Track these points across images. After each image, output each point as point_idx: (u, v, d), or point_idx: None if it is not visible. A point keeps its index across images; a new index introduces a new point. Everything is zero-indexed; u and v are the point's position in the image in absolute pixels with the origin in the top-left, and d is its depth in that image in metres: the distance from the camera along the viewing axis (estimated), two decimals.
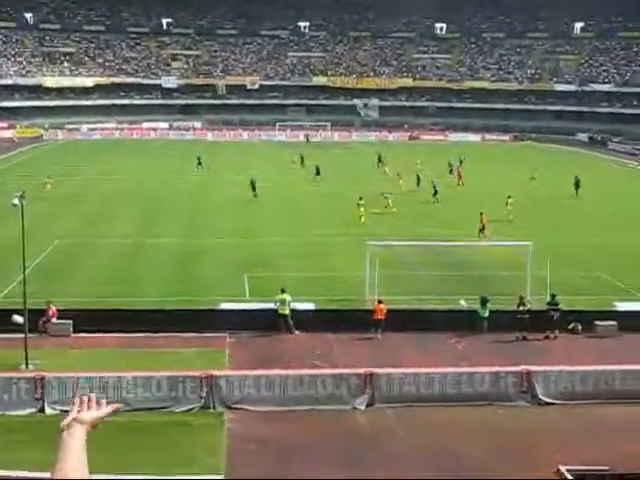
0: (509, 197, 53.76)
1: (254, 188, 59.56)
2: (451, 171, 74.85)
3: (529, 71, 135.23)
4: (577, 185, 65.02)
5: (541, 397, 25.34)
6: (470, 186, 67.49)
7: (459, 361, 27.53)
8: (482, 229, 46.96)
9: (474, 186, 67.46)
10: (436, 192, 60.15)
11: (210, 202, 58.83)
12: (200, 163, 74.73)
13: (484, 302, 31.44)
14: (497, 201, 55.58)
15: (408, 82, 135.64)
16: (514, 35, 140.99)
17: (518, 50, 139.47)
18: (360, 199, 52.00)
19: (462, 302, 33.44)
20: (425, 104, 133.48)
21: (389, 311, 31.27)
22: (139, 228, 49.30)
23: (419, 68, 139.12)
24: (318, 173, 69.72)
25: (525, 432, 23.29)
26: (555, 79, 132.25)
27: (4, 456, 19.57)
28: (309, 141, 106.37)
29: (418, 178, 66.32)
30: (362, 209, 51.37)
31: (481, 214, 47.63)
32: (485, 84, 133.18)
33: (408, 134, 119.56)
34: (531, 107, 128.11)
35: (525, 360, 27.04)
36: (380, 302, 31.08)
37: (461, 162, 76.91)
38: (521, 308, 31.39)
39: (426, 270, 39.55)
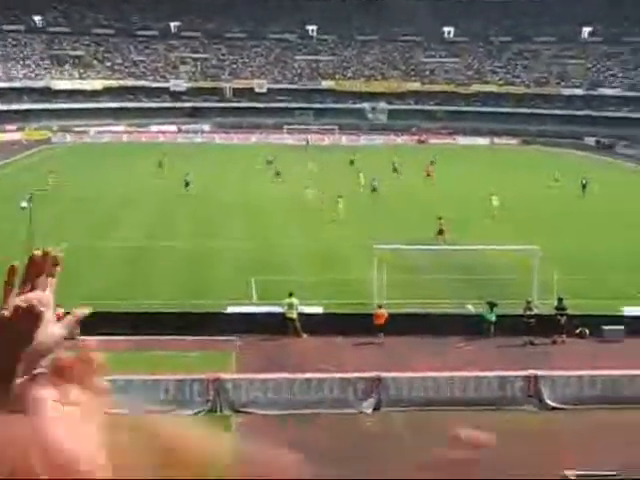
0: (491, 195, 56.70)
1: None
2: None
3: (536, 75, 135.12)
4: (584, 187, 66.74)
5: (548, 402, 25.32)
6: (478, 189, 67.45)
7: (466, 365, 27.50)
8: (440, 232, 46.58)
9: (482, 189, 67.42)
10: (374, 189, 63.58)
11: (218, 205, 58.84)
12: (187, 184, 66.05)
13: (491, 306, 31.41)
14: (511, 204, 55.71)
15: (416, 86, 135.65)
16: (522, 39, 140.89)
17: (526, 54, 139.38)
18: (339, 196, 54.73)
19: (469, 306, 33.43)
20: (433, 108, 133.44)
21: (396, 315, 31.29)
22: (147, 231, 49.36)
23: (427, 72, 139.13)
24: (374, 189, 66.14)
25: (532, 437, 23.24)
26: (562, 83, 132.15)
27: None
28: (308, 144, 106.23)
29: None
30: (340, 206, 53.88)
31: (439, 219, 47.45)
32: (493, 88, 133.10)
33: (416, 138, 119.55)
34: (538, 111, 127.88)
35: (532, 364, 27.03)
36: (380, 307, 31.12)
37: (432, 162, 79.01)
38: (528, 312, 31.35)
39: (433, 274, 39.55)
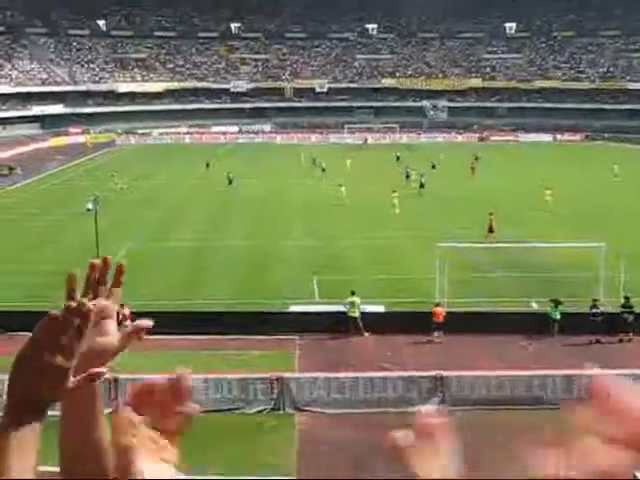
0: (547, 189, 57.40)
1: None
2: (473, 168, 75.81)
3: (601, 70, 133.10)
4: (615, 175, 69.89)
5: None
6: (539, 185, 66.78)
7: (530, 364, 27.22)
8: (490, 230, 46.49)
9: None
10: (422, 185, 64.17)
11: (278, 205, 59.09)
12: (231, 181, 68.16)
13: (556, 304, 31.03)
14: (574, 200, 55.04)
15: (477, 83, 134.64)
16: (585, 33, 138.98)
17: (590, 48, 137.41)
18: (394, 191, 56.66)
19: (533, 304, 33.05)
20: (495, 105, 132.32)
21: (458, 313, 31.13)
22: (209, 231, 49.79)
23: (488, 68, 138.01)
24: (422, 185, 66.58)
25: None
26: (628, 77, 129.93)
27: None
28: (366, 144, 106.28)
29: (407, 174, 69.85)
30: (396, 200, 55.75)
31: (490, 214, 47.30)
32: (556, 83, 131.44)
33: (477, 135, 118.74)
34: (604, 106, 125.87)
35: (599, 363, 26.62)
36: (438, 305, 31.02)
37: (476, 158, 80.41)
38: (594, 311, 30.92)
39: (496, 272, 39.24)
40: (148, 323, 1.75)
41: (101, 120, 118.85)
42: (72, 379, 1.60)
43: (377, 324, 31.07)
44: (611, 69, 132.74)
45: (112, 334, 1.75)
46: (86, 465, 1.73)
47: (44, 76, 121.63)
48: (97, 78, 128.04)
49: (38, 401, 1.62)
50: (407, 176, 69.92)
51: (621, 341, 30.69)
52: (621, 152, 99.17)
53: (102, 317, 1.75)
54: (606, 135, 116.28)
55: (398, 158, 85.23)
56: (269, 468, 20.44)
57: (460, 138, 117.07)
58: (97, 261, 1.76)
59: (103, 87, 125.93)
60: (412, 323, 30.95)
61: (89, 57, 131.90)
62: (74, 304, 1.60)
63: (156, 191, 66.30)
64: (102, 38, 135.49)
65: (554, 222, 51.34)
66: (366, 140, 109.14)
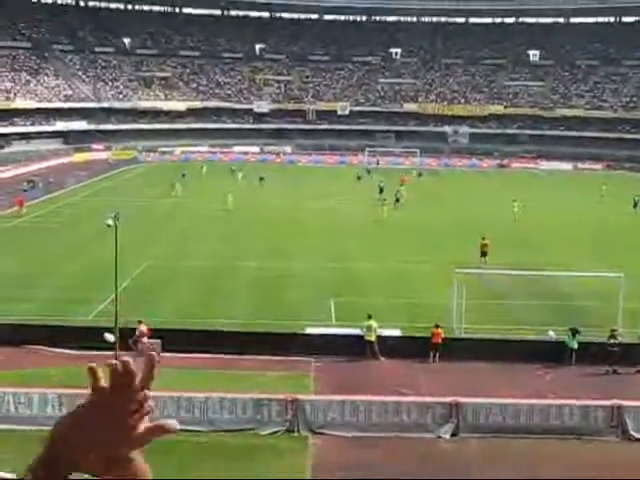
0: (514, 201, 64.68)
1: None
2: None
3: (624, 99, 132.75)
4: (635, 205, 70.76)
5: (632, 433, 24.71)
6: (554, 215, 66.68)
7: (547, 393, 27.04)
8: (483, 254, 46.57)
9: (556, 214, 66.69)
10: (397, 200, 69.88)
11: (297, 226, 59.15)
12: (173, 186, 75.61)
13: (574, 333, 30.87)
14: (593, 229, 54.87)
15: (499, 109, 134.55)
16: (609, 62, 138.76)
17: (613, 78, 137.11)
18: (384, 199, 67.49)
19: (551, 333, 32.88)
20: (516, 132, 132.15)
21: (475, 340, 31.07)
22: (226, 251, 49.85)
23: (511, 95, 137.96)
24: (397, 200, 71.04)
25: (614, 469, 22.67)
26: None
27: None
28: (378, 165, 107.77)
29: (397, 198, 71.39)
30: (385, 208, 64.65)
31: (483, 239, 47.28)
32: (579, 112, 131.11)
33: (497, 162, 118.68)
34: (626, 136, 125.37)
35: (616, 394, 26.42)
36: (438, 326, 31.01)
37: (409, 173, 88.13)
38: (612, 341, 30.71)
39: (514, 299, 39.09)
40: (174, 426, 1.72)
41: (123, 137, 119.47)
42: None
43: (393, 348, 31.00)
44: (634, 99, 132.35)
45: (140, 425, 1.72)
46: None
47: (68, 92, 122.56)
48: (121, 96, 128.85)
49: (85, 470, 1.66)
50: (380, 191, 74.37)
51: (639, 372, 30.45)
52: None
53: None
54: (627, 165, 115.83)
55: (359, 178, 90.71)
56: None
57: (484, 164, 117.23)
58: (118, 366, 1.72)
59: (126, 105, 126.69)
60: (429, 348, 30.86)
61: (113, 75, 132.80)
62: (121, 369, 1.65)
63: (176, 210, 66.54)
64: (127, 56, 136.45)
65: (573, 250, 51.12)
66: (378, 162, 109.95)
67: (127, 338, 29.77)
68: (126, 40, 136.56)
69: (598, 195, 78.37)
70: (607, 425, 24.80)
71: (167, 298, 37.89)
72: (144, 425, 1.70)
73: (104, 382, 1.69)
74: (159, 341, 30.04)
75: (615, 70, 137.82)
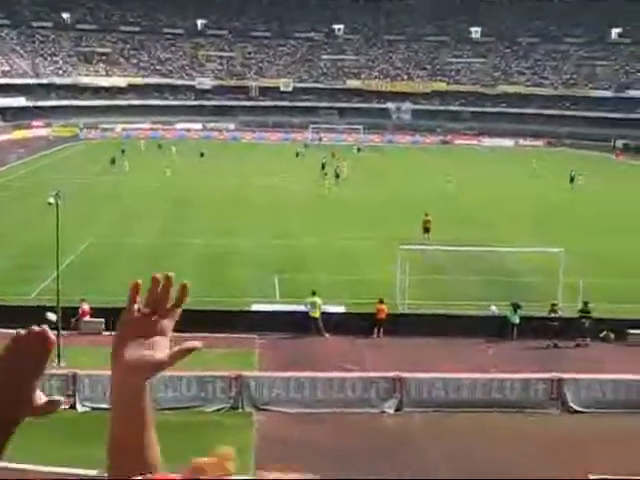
0: (448, 176, 68.74)
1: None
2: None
3: (564, 76, 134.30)
4: (572, 180, 72.61)
5: (571, 405, 25.16)
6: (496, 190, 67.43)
7: (489, 367, 27.39)
8: (426, 230, 46.88)
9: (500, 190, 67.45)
10: (337, 176, 70.74)
11: (242, 203, 58.93)
12: (113, 162, 78.13)
13: (515, 308, 31.27)
14: (533, 205, 55.59)
15: (442, 86, 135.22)
16: (550, 40, 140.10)
17: (554, 55, 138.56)
18: (326, 174, 70.28)
19: (493, 307, 33.28)
20: (459, 108, 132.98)
21: (418, 315, 31.35)
22: (171, 228, 49.53)
23: (453, 72, 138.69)
24: (337, 177, 71.58)
25: (555, 440, 23.10)
26: (591, 85, 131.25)
27: (39, 452, 19.71)
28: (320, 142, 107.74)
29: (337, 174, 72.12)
30: (327, 182, 67.19)
31: (425, 215, 47.70)
32: (520, 89, 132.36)
33: (440, 138, 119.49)
34: (566, 113, 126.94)
35: (556, 367, 26.87)
36: (382, 302, 31.19)
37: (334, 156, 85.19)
38: (552, 315, 31.18)
39: (456, 275, 39.44)
40: (197, 344, 1.79)
41: (64, 114, 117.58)
42: (40, 395, 1.66)
43: (337, 324, 31.12)
44: (574, 76, 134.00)
45: (161, 350, 1.80)
46: (133, 461, 1.80)
47: (6, 68, 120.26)
48: (60, 71, 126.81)
49: (4, 418, 1.67)
50: (323, 166, 75.70)
51: (578, 346, 30.97)
52: (580, 159, 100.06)
53: (156, 333, 1.82)
54: (567, 141, 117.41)
55: (297, 154, 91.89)
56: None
57: (427, 140, 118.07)
58: (160, 276, 1.80)
59: (66, 80, 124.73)
60: (372, 324, 31.04)
61: (52, 50, 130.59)
62: (38, 330, 1.68)
63: (119, 186, 65.88)
64: (66, 31, 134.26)
65: (514, 226, 51.68)
66: (320, 139, 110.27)
67: (69, 317, 29.48)
68: (65, 15, 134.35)
69: (531, 170, 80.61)
70: (548, 398, 25.22)
71: (111, 276, 37.50)
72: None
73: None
74: (102, 320, 29.78)
75: (555, 47, 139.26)
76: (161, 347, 1.79)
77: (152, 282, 1.81)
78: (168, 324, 1.84)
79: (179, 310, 1.86)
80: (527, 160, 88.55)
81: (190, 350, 1.79)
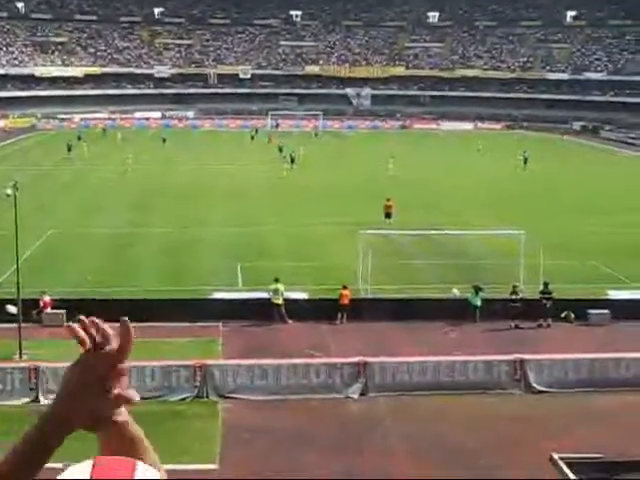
0: (391, 157, 68.69)
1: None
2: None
3: (521, 59, 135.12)
4: (525, 161, 73.54)
5: (534, 385, 25.43)
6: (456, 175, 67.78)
7: (452, 350, 27.59)
8: (388, 215, 47.06)
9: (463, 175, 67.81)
10: (292, 160, 70.77)
11: (202, 191, 58.69)
12: (69, 149, 78.10)
13: (477, 290, 31.49)
14: (492, 189, 56.05)
15: (400, 71, 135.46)
16: (506, 23, 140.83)
17: (510, 38, 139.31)
18: (284, 157, 71.44)
19: (455, 291, 33.48)
20: (417, 93, 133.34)
21: (381, 300, 31.45)
22: (131, 218, 49.20)
23: (411, 57, 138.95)
24: (292, 161, 71.37)
25: (518, 420, 23.36)
26: (547, 67, 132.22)
27: (2, 447, 19.58)
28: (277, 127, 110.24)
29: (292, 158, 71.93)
30: (286, 165, 68.78)
31: (387, 200, 47.90)
32: (477, 72, 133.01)
33: (400, 123, 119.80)
34: (523, 95, 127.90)
35: (518, 349, 27.15)
36: (345, 287, 31.29)
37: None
38: (514, 297, 31.46)
39: (418, 259, 39.63)
40: (135, 396, 1.88)
41: (20, 104, 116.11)
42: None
43: (301, 311, 31.15)
44: (530, 59, 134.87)
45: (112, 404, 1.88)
46: None
47: None
48: (16, 62, 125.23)
49: (77, 425, 1.78)
50: (280, 150, 77.38)
51: (540, 326, 31.29)
52: (537, 141, 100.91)
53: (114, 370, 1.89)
54: (525, 124, 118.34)
55: (252, 138, 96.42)
56: (192, 455, 20.35)
57: (386, 125, 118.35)
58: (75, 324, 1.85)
59: (23, 71, 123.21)
60: (336, 310, 31.11)
61: (7, 40, 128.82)
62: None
63: (78, 175, 65.34)
64: (21, 20, 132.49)
65: (473, 209, 51.99)
66: (277, 125, 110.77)
67: (30, 309, 29.25)
68: (19, 4, 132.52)
69: (475, 151, 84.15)
70: (510, 379, 25.46)
71: (72, 267, 37.27)
72: (118, 389, 1.84)
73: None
74: (63, 311, 29.56)
75: (512, 31, 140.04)
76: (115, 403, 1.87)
77: (79, 323, 1.86)
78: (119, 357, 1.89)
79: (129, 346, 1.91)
80: (485, 143, 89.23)
81: (128, 400, 1.86)
